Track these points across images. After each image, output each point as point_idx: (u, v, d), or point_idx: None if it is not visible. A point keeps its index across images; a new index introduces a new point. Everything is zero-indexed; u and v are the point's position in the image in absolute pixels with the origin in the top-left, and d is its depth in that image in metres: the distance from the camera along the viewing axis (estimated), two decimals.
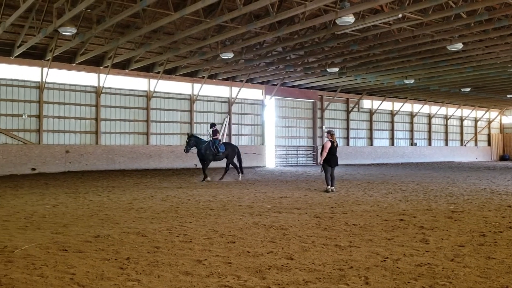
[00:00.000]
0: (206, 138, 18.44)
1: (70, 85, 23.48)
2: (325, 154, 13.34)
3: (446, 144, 43.39)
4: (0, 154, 21.08)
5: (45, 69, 22.20)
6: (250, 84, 29.60)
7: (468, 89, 32.77)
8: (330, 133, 13.82)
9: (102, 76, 24.00)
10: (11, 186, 14.94)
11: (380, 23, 16.71)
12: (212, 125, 18.08)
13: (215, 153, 17.51)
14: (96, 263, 5.12)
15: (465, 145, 45.19)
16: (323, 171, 13.53)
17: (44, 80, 22.30)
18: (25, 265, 5.00)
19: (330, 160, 13.44)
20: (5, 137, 21.56)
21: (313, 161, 32.57)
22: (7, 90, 21.72)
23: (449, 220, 8.17)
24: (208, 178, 17.08)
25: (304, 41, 20.34)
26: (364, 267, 4.93)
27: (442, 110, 42.74)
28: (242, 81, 28.49)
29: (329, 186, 13.37)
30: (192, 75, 27.08)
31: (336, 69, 24.91)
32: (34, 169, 21.78)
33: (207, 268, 4.91)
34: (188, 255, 5.49)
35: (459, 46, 19.57)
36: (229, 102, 29.07)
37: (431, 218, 8.34)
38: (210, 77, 27.38)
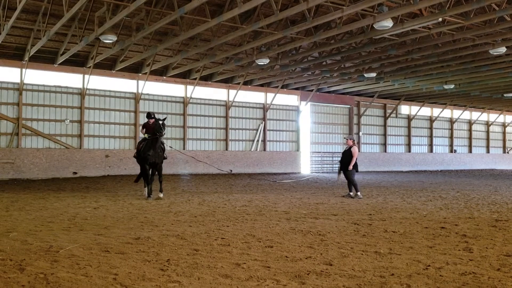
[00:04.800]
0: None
1: (110, 91, 24.12)
2: (355, 159, 13.38)
3: (488, 151, 42.01)
4: (43, 158, 21.83)
5: (86, 76, 22.89)
6: (285, 90, 29.58)
7: (511, 94, 31.69)
8: (352, 139, 13.90)
9: (141, 82, 24.53)
10: (54, 189, 15.43)
11: (419, 27, 16.39)
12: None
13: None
14: (137, 264, 5.22)
15: (507, 152, 43.62)
16: (349, 177, 13.41)
17: (85, 87, 22.99)
18: (70, 265, 5.15)
19: (357, 165, 13.61)
20: (48, 142, 22.32)
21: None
22: (50, 97, 22.51)
23: (493, 228, 7.91)
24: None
25: (341, 46, 20.18)
26: (406, 275, 4.83)
27: (484, 116, 41.45)
28: (277, 87, 28.51)
29: (359, 193, 13.35)
30: (227, 81, 27.31)
31: (373, 74, 24.57)
32: (75, 172, 22.44)
33: (246, 272, 4.92)
34: (226, 258, 5.52)
35: (502, 50, 18.96)
36: (264, 108, 29.13)
37: (474, 227, 8.09)
38: (245, 83, 27.54)
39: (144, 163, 12.63)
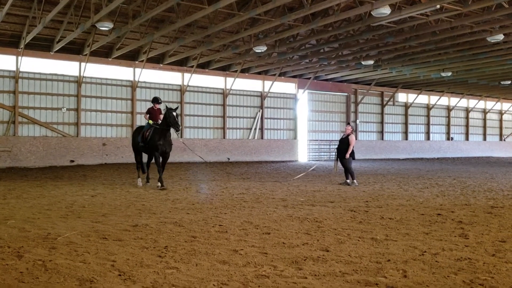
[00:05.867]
0: None
1: (106, 79, 24.00)
2: (352, 147, 13.44)
3: (484, 139, 42.12)
4: (40, 146, 21.79)
5: (83, 64, 22.76)
6: (283, 77, 29.51)
7: (509, 82, 31.68)
8: (352, 127, 13.96)
9: (138, 70, 24.41)
10: (51, 177, 15.43)
11: (417, 14, 16.32)
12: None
13: None
14: (135, 251, 5.24)
15: (504, 140, 43.75)
16: (346, 165, 13.49)
17: (82, 75, 22.88)
18: (68, 252, 5.18)
19: (353, 153, 13.69)
20: (45, 130, 22.26)
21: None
22: (47, 85, 22.40)
23: (489, 215, 7.96)
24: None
25: (339, 33, 20.09)
26: (402, 261, 4.87)
27: (481, 104, 41.49)
28: (274, 74, 28.42)
29: (355, 180, 13.45)
30: (225, 69, 27.21)
31: (371, 62, 24.51)
32: (72, 161, 22.42)
33: (243, 258, 4.95)
34: (224, 245, 5.56)
35: (500, 37, 18.92)
36: (262, 96, 29.07)
37: (469, 213, 8.15)
38: (243, 71, 27.43)
39: (153, 151, 12.04)
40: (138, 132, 12.91)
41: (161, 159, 12.21)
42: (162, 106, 12.70)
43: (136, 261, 4.79)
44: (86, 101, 23.38)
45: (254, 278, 4.24)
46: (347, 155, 13.41)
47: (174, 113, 11.77)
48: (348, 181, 13.43)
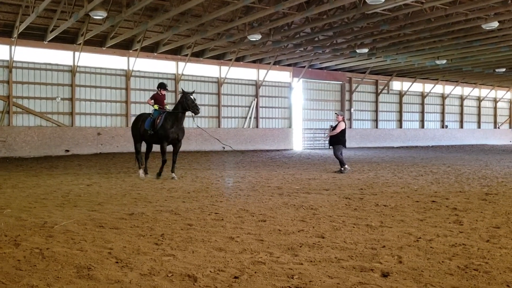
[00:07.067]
0: None
1: (101, 68, 23.86)
2: (335, 132, 13.56)
3: (479, 127, 42.31)
4: (35, 136, 21.70)
5: (76, 53, 22.60)
6: (277, 66, 29.43)
7: (503, 70, 31.76)
8: (342, 115, 14.06)
9: (132, 59, 24.26)
10: (46, 167, 15.40)
11: (412, 1, 16.28)
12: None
13: None
14: (132, 239, 5.27)
15: (498, 128, 43.97)
16: (335, 152, 13.70)
17: (76, 64, 22.72)
18: (65, 240, 5.19)
19: (345, 141, 13.82)
20: (40, 120, 22.16)
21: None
22: (41, 74, 22.25)
23: (483, 202, 8.03)
24: None
25: (333, 21, 20.03)
26: (397, 247, 4.92)
27: (475, 92, 41.59)
28: (269, 63, 28.33)
29: (346, 166, 13.64)
30: (219, 58, 27.10)
31: (365, 50, 24.47)
32: (67, 150, 22.36)
33: (239, 245, 4.99)
34: (220, 232, 5.59)
35: (495, 24, 18.92)
36: (257, 84, 29.01)
37: (464, 200, 8.22)
38: (238, 59, 27.33)
39: (162, 141, 11.45)
40: (142, 120, 12.16)
41: (172, 148, 11.77)
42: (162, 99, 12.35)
43: (133, 249, 4.81)
44: (80, 90, 23.25)
45: (251, 265, 4.28)
46: (328, 135, 13.69)
47: (193, 97, 11.33)
48: (342, 169, 13.51)
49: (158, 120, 11.59)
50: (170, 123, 11.44)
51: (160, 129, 11.48)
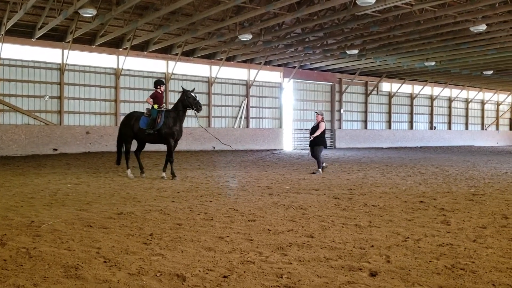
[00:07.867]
0: None
1: (90, 67, 23.69)
2: (319, 133, 13.51)
3: (467, 128, 42.75)
4: (23, 134, 21.47)
5: (65, 51, 22.40)
6: (268, 66, 29.46)
7: (491, 72, 32.13)
8: (322, 115, 14.01)
9: (121, 58, 24.12)
10: (34, 166, 15.25)
11: (401, 3, 16.40)
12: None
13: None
14: (120, 238, 5.24)
15: (486, 129, 44.46)
16: (315, 152, 13.66)
17: (64, 62, 22.53)
18: (52, 239, 5.14)
19: (325, 141, 13.85)
20: (27, 118, 21.94)
21: (330, 144, 32.34)
22: (29, 72, 22.03)
23: (470, 202, 8.11)
24: None
25: (324, 22, 20.10)
26: (385, 246, 4.95)
27: (463, 94, 42.01)
28: (260, 63, 28.34)
29: (325, 164, 13.76)
30: (210, 57, 27.05)
31: (355, 51, 24.61)
32: (55, 149, 22.16)
33: (229, 245, 4.98)
34: (210, 232, 5.58)
35: (483, 27, 19.13)
36: (247, 84, 29.01)
37: (451, 201, 8.29)
38: (228, 59, 27.30)
39: (168, 138, 11.31)
40: (135, 118, 11.84)
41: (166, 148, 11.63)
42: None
43: (122, 248, 4.78)
44: (69, 89, 23.07)
45: (240, 264, 4.27)
46: (312, 137, 13.57)
47: (194, 94, 11.24)
48: (319, 169, 13.49)
49: (158, 119, 11.40)
50: (172, 121, 11.37)
51: (164, 127, 11.35)
